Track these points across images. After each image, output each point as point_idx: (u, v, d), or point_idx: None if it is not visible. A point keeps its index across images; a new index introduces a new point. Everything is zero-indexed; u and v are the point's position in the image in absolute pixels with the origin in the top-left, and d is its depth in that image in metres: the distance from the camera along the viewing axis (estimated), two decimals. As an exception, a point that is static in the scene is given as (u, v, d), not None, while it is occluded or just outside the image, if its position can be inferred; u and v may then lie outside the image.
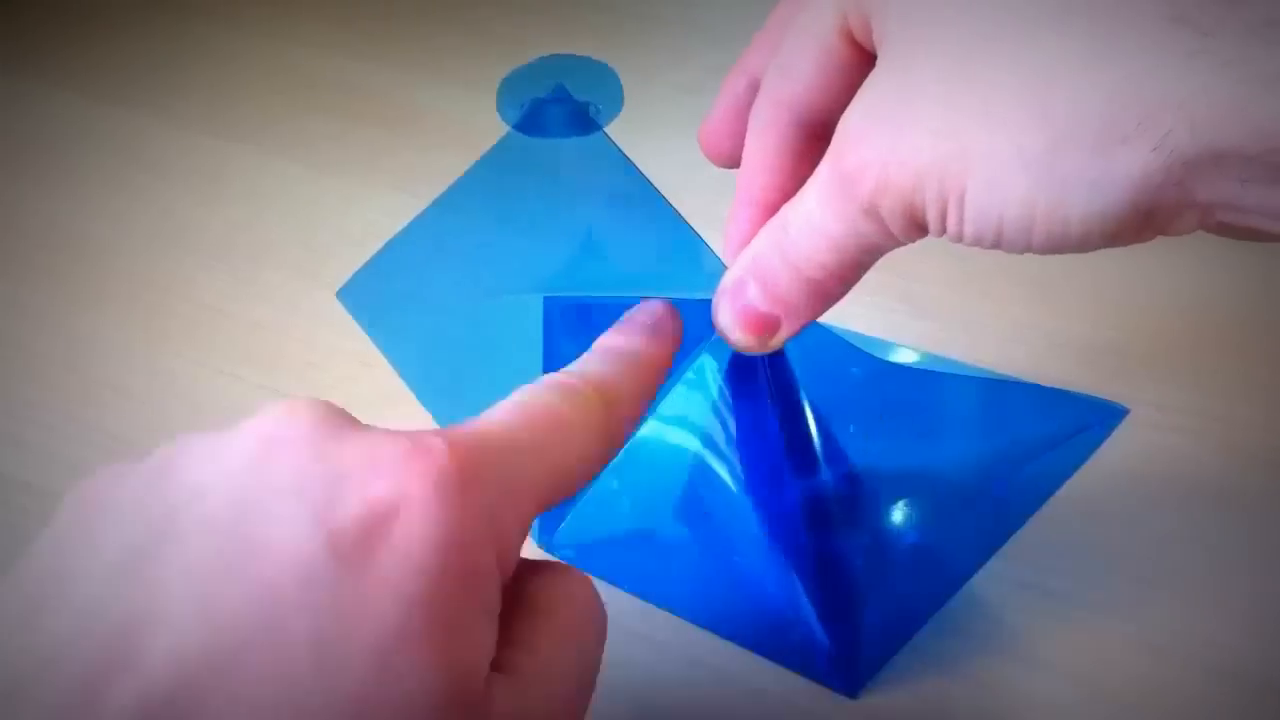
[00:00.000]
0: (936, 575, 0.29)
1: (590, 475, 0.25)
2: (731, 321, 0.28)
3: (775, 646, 0.30)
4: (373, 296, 0.30)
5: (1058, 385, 0.39)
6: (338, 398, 0.40)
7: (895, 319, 0.42)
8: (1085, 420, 0.28)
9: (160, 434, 0.38)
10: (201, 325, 0.44)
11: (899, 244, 0.26)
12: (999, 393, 0.28)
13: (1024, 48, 0.22)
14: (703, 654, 0.31)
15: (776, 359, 0.30)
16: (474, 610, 0.21)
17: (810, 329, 0.30)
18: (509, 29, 0.68)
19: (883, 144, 0.24)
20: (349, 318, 0.44)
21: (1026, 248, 0.23)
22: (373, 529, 0.20)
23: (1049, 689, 0.29)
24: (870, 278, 0.45)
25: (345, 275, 0.46)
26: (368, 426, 0.23)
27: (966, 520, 0.29)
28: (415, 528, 0.20)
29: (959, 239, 0.24)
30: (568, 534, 0.32)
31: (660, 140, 0.56)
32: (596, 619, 0.24)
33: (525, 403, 0.25)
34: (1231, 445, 0.36)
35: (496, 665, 0.21)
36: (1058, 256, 0.44)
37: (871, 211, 0.25)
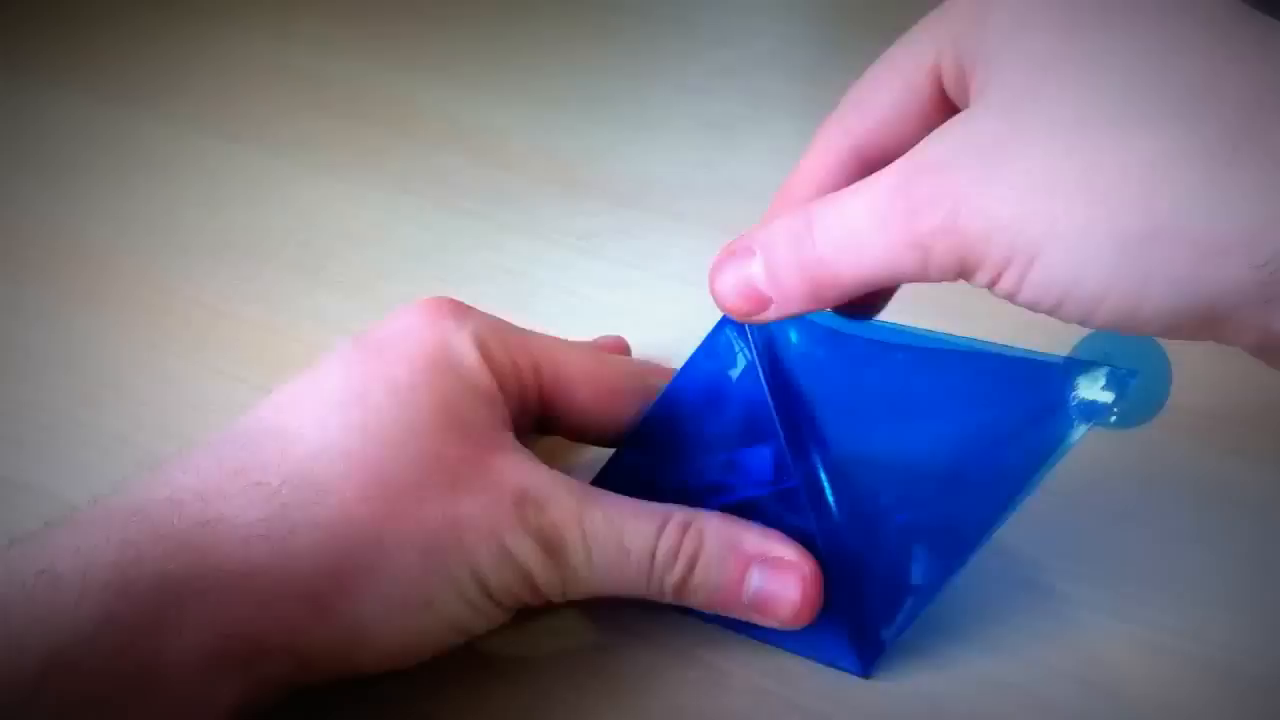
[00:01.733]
0: (944, 548, 0.29)
1: (599, 395, 0.32)
2: (728, 288, 0.28)
3: (787, 632, 0.30)
4: None
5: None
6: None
7: (895, 319, 0.42)
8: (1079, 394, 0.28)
9: (160, 434, 0.38)
10: (201, 325, 0.44)
11: (923, 280, 0.25)
12: (993, 365, 0.28)
13: (1141, 134, 0.22)
14: (703, 652, 0.31)
15: (775, 358, 0.30)
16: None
17: (806, 327, 0.30)
18: (510, 29, 0.68)
19: (964, 184, 0.23)
20: (349, 318, 0.44)
21: (1082, 320, 0.23)
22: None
23: (1049, 688, 0.29)
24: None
25: (345, 275, 0.46)
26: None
27: (968, 492, 0.29)
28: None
29: (1009, 297, 0.24)
30: None
31: (664, 140, 0.56)
32: None
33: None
34: (1234, 443, 0.36)
35: None
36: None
37: (920, 245, 0.24)
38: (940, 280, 0.25)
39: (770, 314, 0.27)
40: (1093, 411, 0.27)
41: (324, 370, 0.29)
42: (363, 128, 0.57)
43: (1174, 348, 0.40)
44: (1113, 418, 0.27)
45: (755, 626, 0.30)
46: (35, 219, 0.51)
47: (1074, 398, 0.27)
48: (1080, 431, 0.27)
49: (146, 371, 0.41)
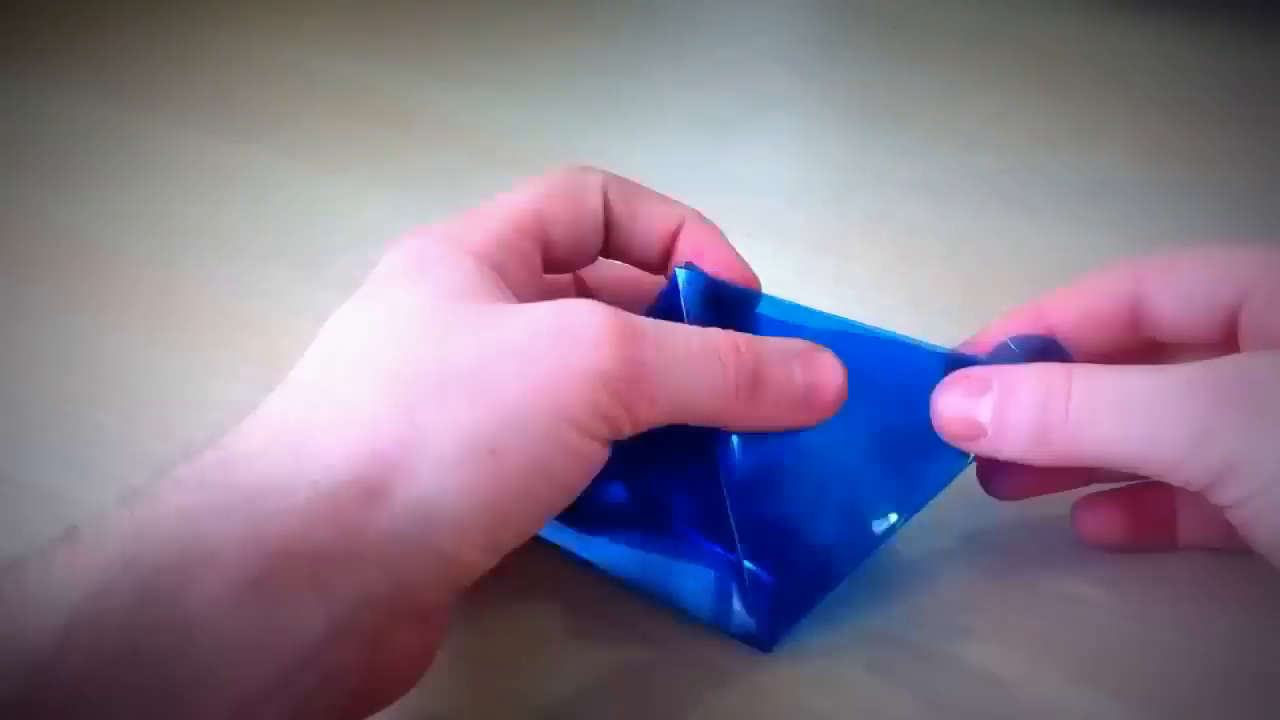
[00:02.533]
0: (854, 535, 0.30)
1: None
2: (953, 412, 0.28)
3: (698, 604, 0.31)
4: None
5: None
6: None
7: (895, 318, 0.42)
8: None
9: (161, 434, 0.38)
10: (202, 325, 0.44)
11: (1159, 475, 0.26)
12: (923, 364, 0.29)
13: None
14: (704, 652, 0.31)
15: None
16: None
17: (748, 310, 0.31)
18: (511, 29, 0.68)
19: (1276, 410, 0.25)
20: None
21: None
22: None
23: (1049, 686, 0.29)
24: (870, 277, 0.45)
25: (345, 275, 0.46)
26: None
27: (882, 488, 0.30)
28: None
29: (1237, 519, 0.26)
30: None
31: (664, 137, 0.56)
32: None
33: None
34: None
35: None
36: (1056, 257, 0.45)
37: (1197, 441, 0.25)
38: (1175, 481, 0.26)
39: (982, 446, 0.28)
40: None
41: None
42: (363, 128, 0.57)
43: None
44: None
45: (676, 594, 0.31)
46: (36, 219, 0.51)
47: None
48: None
49: (146, 371, 0.41)
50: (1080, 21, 0.66)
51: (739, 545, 0.30)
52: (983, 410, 0.28)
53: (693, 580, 0.31)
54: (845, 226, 0.48)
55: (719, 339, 0.27)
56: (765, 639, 0.30)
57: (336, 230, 0.49)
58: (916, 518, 0.30)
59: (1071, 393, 0.26)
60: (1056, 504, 0.34)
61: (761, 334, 0.29)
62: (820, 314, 0.31)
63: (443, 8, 0.70)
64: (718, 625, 0.31)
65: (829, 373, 0.29)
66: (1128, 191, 0.50)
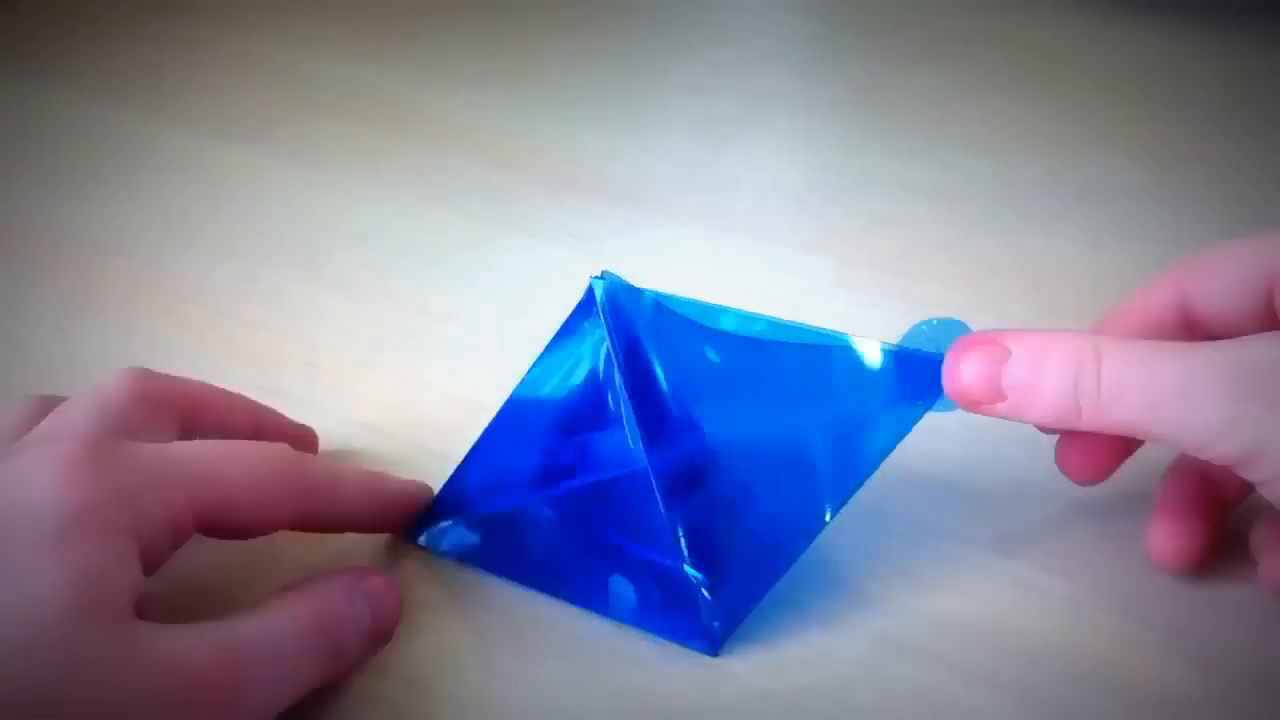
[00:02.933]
0: (783, 536, 0.30)
1: (262, 504, 0.28)
2: (973, 377, 0.29)
3: (638, 614, 0.31)
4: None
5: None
6: (338, 397, 0.40)
7: (895, 318, 0.42)
8: (918, 381, 0.30)
9: (160, 434, 0.38)
10: (202, 325, 0.44)
11: (1187, 450, 0.27)
12: (840, 359, 0.30)
13: None
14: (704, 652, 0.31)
15: (631, 346, 0.31)
16: (99, 547, 0.25)
17: (666, 316, 0.31)
18: (512, 29, 0.68)
19: None
20: (349, 318, 0.44)
21: None
22: (12, 483, 0.26)
23: (1050, 688, 0.29)
24: (870, 278, 0.45)
25: (345, 275, 0.46)
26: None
27: (810, 482, 0.30)
28: (34, 480, 0.25)
29: (1268, 495, 0.27)
30: (435, 533, 0.34)
31: (664, 139, 0.56)
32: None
33: (206, 442, 0.29)
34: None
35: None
36: (1055, 256, 0.45)
37: (1226, 424, 0.26)
38: (1202, 456, 0.27)
39: (998, 410, 0.29)
40: (926, 399, 0.29)
41: None
42: (363, 128, 0.57)
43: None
44: (939, 404, 0.30)
45: (615, 606, 0.31)
46: (35, 219, 0.51)
47: (906, 386, 0.29)
48: (915, 417, 0.30)
49: (146, 371, 0.41)
50: (1080, 23, 0.66)
51: (677, 549, 0.30)
52: (1008, 376, 0.28)
53: (631, 589, 0.31)
54: (845, 228, 0.48)
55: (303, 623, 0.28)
56: (710, 641, 0.30)
57: (336, 230, 0.49)
58: (914, 520, 0.30)
59: (1102, 372, 0.27)
60: (1053, 503, 0.34)
61: (679, 340, 0.30)
62: (731, 315, 0.31)
63: (442, 9, 0.70)
64: (663, 632, 0.31)
65: (388, 601, 0.30)
66: (1127, 194, 0.50)
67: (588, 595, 0.32)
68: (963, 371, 0.29)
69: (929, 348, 0.30)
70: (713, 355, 0.31)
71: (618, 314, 0.31)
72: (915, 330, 0.30)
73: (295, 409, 0.39)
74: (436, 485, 0.35)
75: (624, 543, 0.32)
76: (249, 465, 0.28)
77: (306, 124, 0.57)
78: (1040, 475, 0.35)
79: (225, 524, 0.28)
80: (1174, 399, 0.26)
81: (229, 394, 0.34)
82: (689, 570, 0.30)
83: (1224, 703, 0.29)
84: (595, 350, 0.32)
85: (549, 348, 0.32)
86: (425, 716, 0.29)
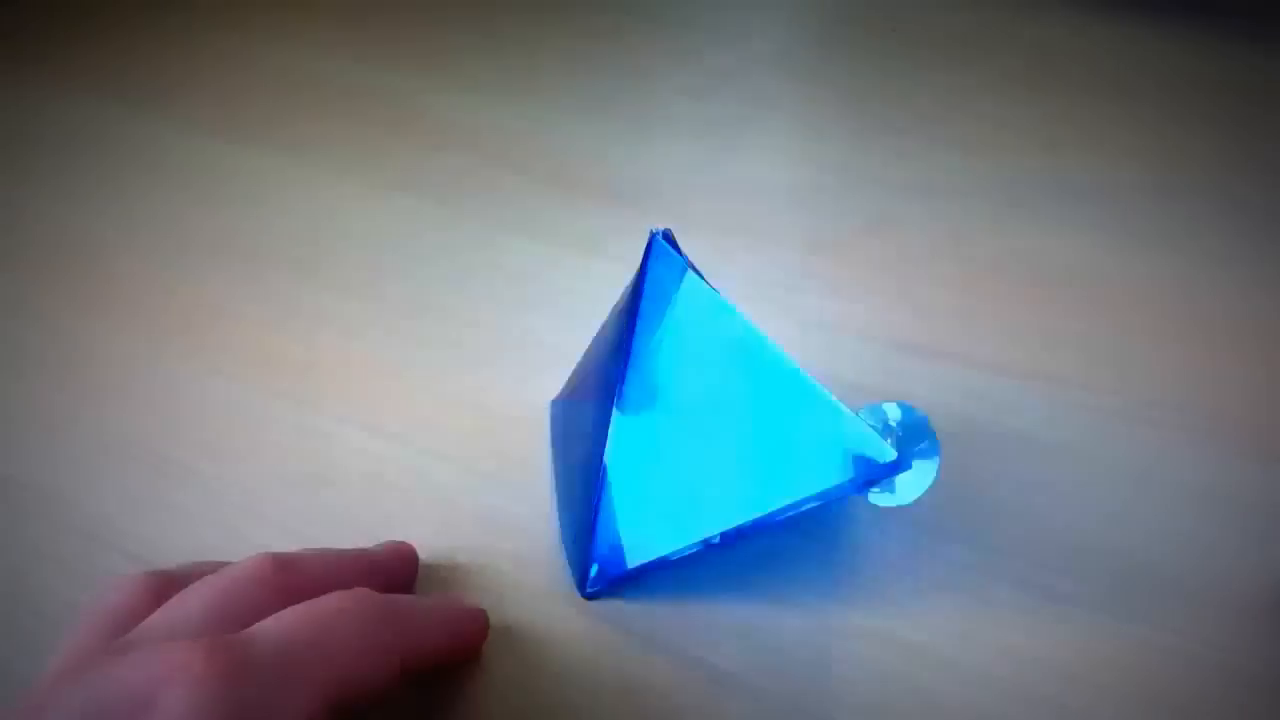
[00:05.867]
0: (689, 524, 0.31)
1: (379, 657, 0.27)
2: None
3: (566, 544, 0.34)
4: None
5: (1056, 383, 0.39)
6: (337, 397, 0.40)
7: (895, 318, 0.42)
8: (863, 456, 0.31)
9: (160, 434, 0.38)
10: (201, 325, 0.44)
11: None
12: (818, 408, 0.31)
13: None
14: (703, 652, 0.31)
15: (639, 309, 0.32)
16: None
17: (700, 298, 0.32)
18: (512, 30, 0.68)
19: None
20: (349, 318, 0.44)
21: None
22: (134, 714, 0.23)
23: (1051, 689, 0.29)
24: (870, 278, 0.45)
25: (345, 275, 0.46)
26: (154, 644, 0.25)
27: (739, 489, 0.31)
28: (173, 712, 0.23)
29: None
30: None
31: (664, 140, 0.56)
32: None
33: (309, 605, 0.27)
34: (1229, 444, 0.36)
35: None
36: (1055, 259, 0.45)
37: None
38: None
39: None
40: (856, 485, 0.30)
41: None
42: (363, 128, 0.57)
43: (1172, 348, 0.41)
44: (875, 496, 0.30)
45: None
46: (36, 219, 0.51)
47: (853, 470, 0.30)
48: (842, 496, 0.30)
49: (146, 371, 0.41)
50: (1078, 24, 0.66)
51: (597, 488, 0.32)
52: None
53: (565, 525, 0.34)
54: (843, 229, 0.48)
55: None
56: (581, 585, 0.32)
57: (336, 231, 0.49)
58: (916, 521, 0.30)
59: None
60: (1054, 503, 0.34)
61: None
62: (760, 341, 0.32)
63: (444, 11, 0.70)
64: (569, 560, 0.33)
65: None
66: (1126, 194, 0.50)
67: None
68: None
69: (887, 432, 0.31)
70: (718, 350, 0.32)
71: (659, 276, 0.32)
72: (875, 410, 0.31)
73: (296, 410, 0.39)
74: (436, 488, 0.35)
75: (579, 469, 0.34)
76: (356, 625, 0.27)
77: (306, 124, 0.57)
78: (1040, 476, 0.35)
79: (350, 697, 0.26)
80: None
81: (340, 558, 0.32)
82: (598, 511, 0.32)
83: (1224, 703, 0.29)
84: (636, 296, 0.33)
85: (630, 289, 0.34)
86: (425, 716, 0.29)
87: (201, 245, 0.49)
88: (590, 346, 0.36)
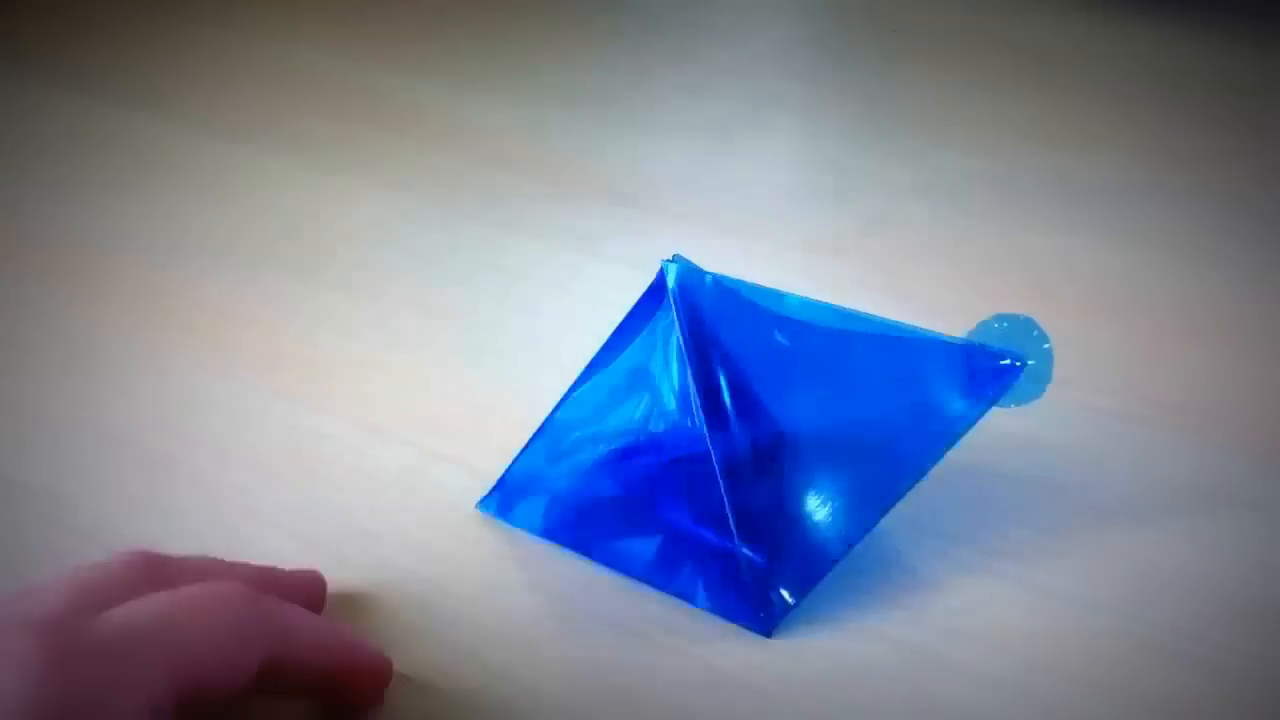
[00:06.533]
0: (844, 523, 0.31)
1: (237, 650, 0.26)
2: None
3: (696, 590, 0.32)
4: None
5: (1056, 383, 0.39)
6: (337, 397, 0.40)
7: (894, 318, 0.42)
8: (986, 375, 0.31)
9: (160, 434, 0.38)
10: (201, 325, 0.44)
11: None
12: (909, 350, 0.31)
13: None
14: (703, 652, 0.31)
15: (697, 330, 0.31)
16: None
17: (734, 300, 0.31)
18: (511, 29, 0.68)
19: None
20: (349, 317, 0.44)
21: None
22: None
23: (1050, 690, 0.29)
24: (870, 278, 0.45)
25: (345, 275, 0.46)
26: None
27: (873, 472, 0.31)
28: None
29: None
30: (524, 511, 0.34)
31: (664, 139, 0.56)
32: None
33: (169, 591, 0.26)
34: (1229, 444, 0.36)
35: None
36: (1054, 258, 0.45)
37: None
38: None
39: None
40: (995, 392, 0.30)
41: None
42: (363, 128, 0.57)
43: (1172, 346, 0.41)
44: (1006, 399, 0.30)
45: (674, 583, 0.31)
46: (36, 219, 0.51)
47: (975, 380, 0.30)
48: (982, 411, 0.30)
49: (147, 371, 0.41)
50: (1078, 24, 0.66)
51: (733, 530, 0.30)
52: None
53: (689, 569, 0.32)
54: (845, 228, 0.48)
55: None
56: (763, 622, 0.31)
57: (335, 230, 0.49)
58: (916, 521, 0.30)
59: None
60: (1054, 502, 0.34)
61: (767, 333, 0.30)
62: (794, 300, 0.31)
63: (443, 10, 0.70)
64: (718, 612, 0.31)
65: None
66: (1125, 193, 0.50)
67: (649, 570, 0.32)
68: None
69: (998, 344, 0.30)
70: (781, 339, 0.32)
71: (687, 299, 0.31)
72: (985, 326, 0.31)
73: (295, 410, 0.39)
74: (436, 488, 0.35)
75: (687, 522, 0.32)
76: (214, 618, 0.26)
77: (306, 124, 0.57)
78: (1042, 477, 0.35)
79: (204, 691, 0.25)
80: None
81: (230, 564, 0.30)
82: (744, 550, 0.30)
83: (1225, 703, 0.29)
84: (665, 337, 0.32)
85: (617, 332, 0.33)
86: (425, 716, 0.29)
87: (201, 245, 0.49)
88: (582, 395, 0.34)
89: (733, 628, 0.31)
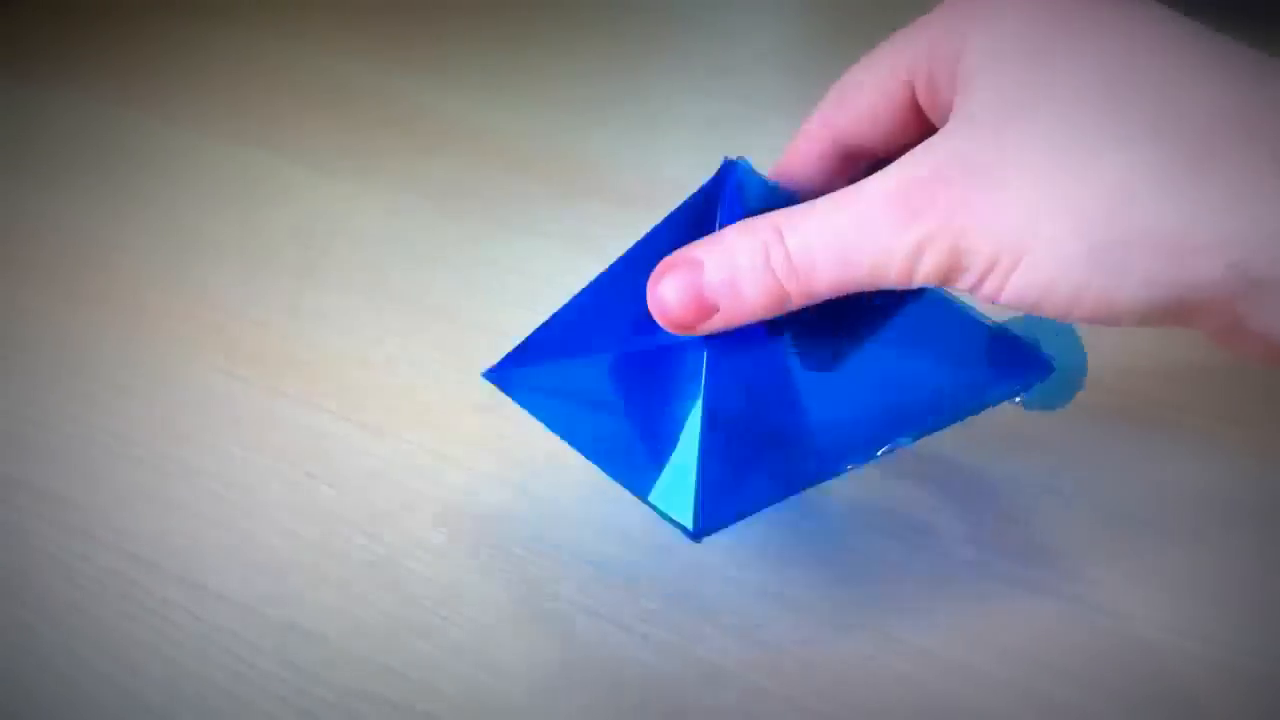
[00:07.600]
0: (824, 451, 0.30)
1: None
2: (672, 297, 0.29)
3: (641, 476, 0.30)
4: (526, 376, 0.33)
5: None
6: (337, 397, 0.40)
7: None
8: (1015, 360, 0.30)
9: (161, 434, 0.38)
10: (202, 325, 0.44)
11: (904, 284, 0.27)
12: (938, 314, 0.30)
13: (1113, 154, 0.24)
14: (704, 652, 0.31)
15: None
16: None
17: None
18: (513, 29, 0.68)
19: (958, 195, 0.25)
20: (349, 318, 0.44)
21: (1062, 316, 0.26)
22: None
23: (1055, 690, 0.29)
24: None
25: (345, 275, 0.46)
26: None
27: (870, 415, 0.30)
28: None
29: (990, 299, 0.26)
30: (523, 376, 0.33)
31: (664, 139, 0.56)
32: None
33: None
34: (1229, 444, 0.36)
35: None
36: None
37: (916, 248, 0.26)
38: (922, 283, 0.27)
39: (714, 323, 0.29)
40: (1019, 382, 0.30)
41: None
42: (363, 128, 0.57)
43: (1174, 346, 0.41)
44: (1020, 400, 0.30)
45: (623, 468, 0.30)
46: (35, 219, 0.51)
47: (1003, 363, 0.30)
48: (1003, 395, 0.30)
49: (146, 371, 0.41)
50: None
51: (705, 421, 0.29)
52: (708, 286, 0.28)
53: (646, 457, 0.30)
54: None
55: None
56: (695, 520, 0.29)
57: (336, 231, 0.49)
58: (917, 522, 0.30)
59: (787, 247, 0.27)
60: (1056, 502, 0.34)
61: None
62: None
63: (445, 11, 0.70)
64: (652, 494, 0.30)
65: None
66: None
67: (615, 459, 0.31)
68: (665, 297, 0.29)
69: (1034, 338, 0.30)
70: None
71: (741, 198, 0.31)
72: (1027, 320, 0.31)
73: (295, 409, 0.39)
74: (436, 487, 0.35)
75: (667, 410, 0.31)
76: None
77: (307, 124, 0.57)
78: (1042, 476, 0.35)
79: None
80: (859, 247, 0.26)
81: None
82: (699, 436, 0.29)
83: (1226, 703, 0.29)
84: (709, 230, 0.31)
85: (666, 219, 0.31)
86: (425, 716, 0.29)
87: (201, 245, 0.49)
88: (598, 289, 0.33)
89: (733, 625, 0.31)
